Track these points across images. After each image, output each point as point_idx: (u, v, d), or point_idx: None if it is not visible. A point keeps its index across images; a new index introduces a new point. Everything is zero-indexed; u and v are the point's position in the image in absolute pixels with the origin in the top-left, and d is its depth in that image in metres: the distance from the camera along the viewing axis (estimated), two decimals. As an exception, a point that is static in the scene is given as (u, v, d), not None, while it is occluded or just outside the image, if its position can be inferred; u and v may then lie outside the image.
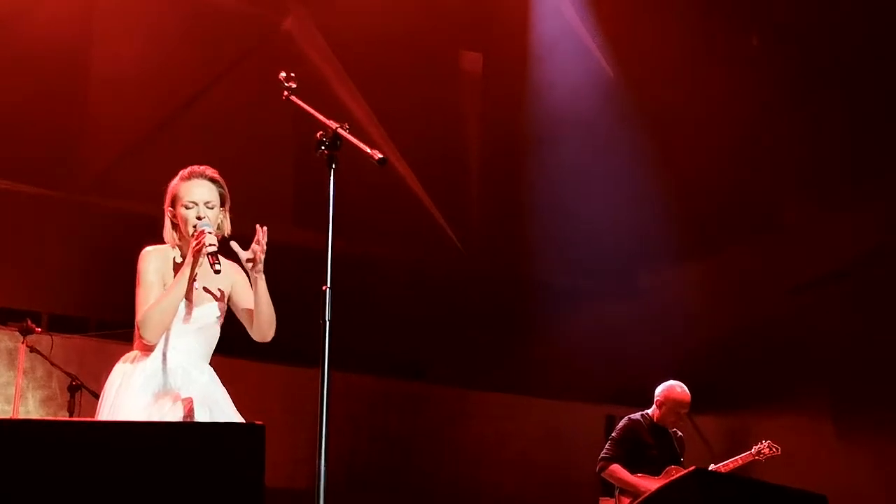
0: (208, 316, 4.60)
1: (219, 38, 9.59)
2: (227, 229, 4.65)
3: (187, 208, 4.56)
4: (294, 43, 9.87)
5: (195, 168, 4.64)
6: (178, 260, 4.60)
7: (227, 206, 4.67)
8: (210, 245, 4.38)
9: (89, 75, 9.41)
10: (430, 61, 10.21)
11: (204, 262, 4.42)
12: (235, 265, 4.71)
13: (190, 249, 4.46)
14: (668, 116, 10.40)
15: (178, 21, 9.34)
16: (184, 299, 4.50)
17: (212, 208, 4.57)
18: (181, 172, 4.65)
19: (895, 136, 9.80)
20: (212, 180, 4.62)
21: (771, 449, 7.96)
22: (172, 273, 4.55)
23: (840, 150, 10.10)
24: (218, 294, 4.63)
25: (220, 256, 4.44)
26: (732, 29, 10.13)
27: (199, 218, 4.52)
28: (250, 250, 4.48)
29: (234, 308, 4.71)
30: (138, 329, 4.48)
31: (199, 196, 4.57)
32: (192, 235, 4.49)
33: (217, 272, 4.39)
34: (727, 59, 10.10)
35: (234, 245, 4.51)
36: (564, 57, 10.29)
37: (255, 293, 4.54)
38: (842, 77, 9.87)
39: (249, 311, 4.63)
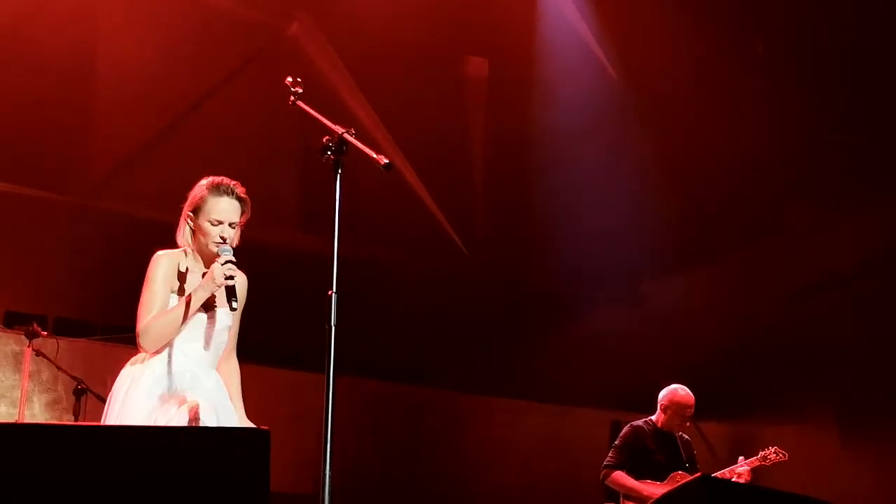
0: (218, 323, 4.61)
1: (224, 44, 9.60)
2: (236, 241, 4.62)
3: (212, 225, 4.54)
4: (300, 48, 9.89)
5: (225, 181, 4.59)
6: (183, 268, 4.58)
7: (244, 221, 4.65)
8: (230, 278, 4.38)
9: (95, 80, 9.42)
10: (435, 66, 10.22)
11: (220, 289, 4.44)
12: (244, 281, 4.70)
13: (207, 278, 4.44)
14: (673, 122, 10.41)
15: (184, 26, 9.35)
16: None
17: (233, 228, 4.57)
18: (210, 180, 4.60)
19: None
20: (239, 199, 4.59)
21: (777, 455, 7.93)
22: (178, 280, 4.55)
23: (843, 154, 10.09)
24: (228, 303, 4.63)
25: (236, 270, 4.45)
26: (736, 34, 10.13)
27: (222, 238, 4.51)
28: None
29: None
30: (138, 337, 4.48)
31: (226, 215, 4.54)
32: (216, 253, 4.49)
33: (233, 310, 4.43)
34: (730, 64, 10.10)
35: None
36: (570, 63, 10.29)
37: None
38: (845, 81, 9.87)
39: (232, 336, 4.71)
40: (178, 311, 4.44)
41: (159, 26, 9.29)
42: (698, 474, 6.83)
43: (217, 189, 4.57)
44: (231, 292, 4.38)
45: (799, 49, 9.94)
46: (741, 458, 7.86)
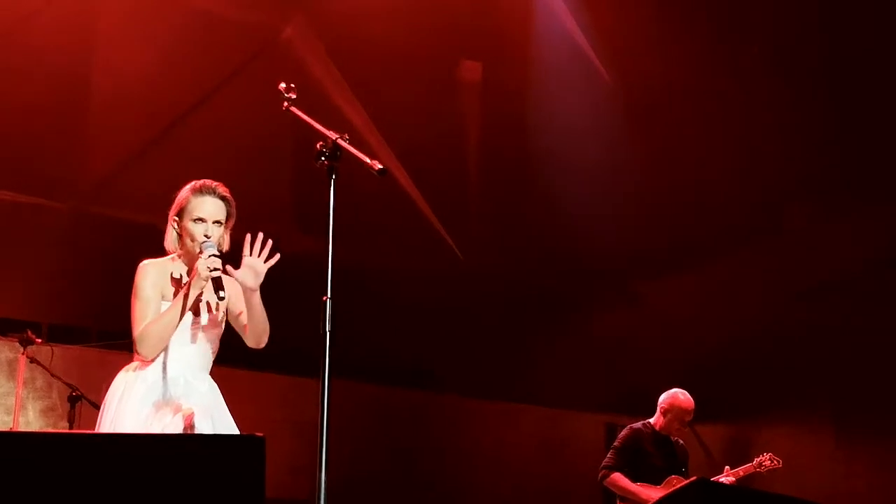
0: (208, 326, 4.60)
1: (219, 48, 9.58)
2: (226, 246, 4.63)
3: (195, 223, 4.55)
4: (294, 52, 9.87)
5: (207, 182, 4.62)
6: (177, 275, 4.59)
7: (231, 223, 4.66)
8: (215, 270, 4.37)
9: (90, 85, 9.40)
10: (430, 70, 10.20)
11: (208, 283, 4.42)
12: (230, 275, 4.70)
13: (192, 274, 4.44)
14: (670, 124, 10.40)
15: (179, 30, 9.33)
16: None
17: (219, 226, 4.57)
18: (192, 184, 4.63)
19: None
20: (222, 198, 4.60)
21: (772, 461, 7.95)
22: (170, 286, 4.55)
23: (843, 156, 10.10)
24: (217, 305, 4.62)
25: (220, 263, 4.44)
26: (734, 35, 10.13)
27: (206, 236, 4.51)
28: (250, 269, 4.45)
29: (228, 317, 4.70)
30: (136, 344, 4.47)
31: (208, 213, 4.55)
32: (198, 252, 4.48)
33: (221, 299, 4.39)
34: (729, 65, 10.10)
35: (229, 269, 4.48)
36: (565, 66, 10.29)
37: (250, 307, 4.52)
38: (844, 82, 9.87)
39: (245, 325, 4.63)
40: (172, 314, 4.44)
41: (154, 31, 9.27)
42: (694, 478, 6.83)
43: (199, 190, 4.60)
44: (218, 284, 4.37)
45: (796, 50, 9.94)
46: (727, 467, 7.87)
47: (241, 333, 4.67)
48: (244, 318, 4.61)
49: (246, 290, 4.47)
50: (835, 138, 9.98)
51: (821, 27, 9.67)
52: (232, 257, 4.61)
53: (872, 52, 9.57)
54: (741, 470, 7.87)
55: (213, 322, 4.62)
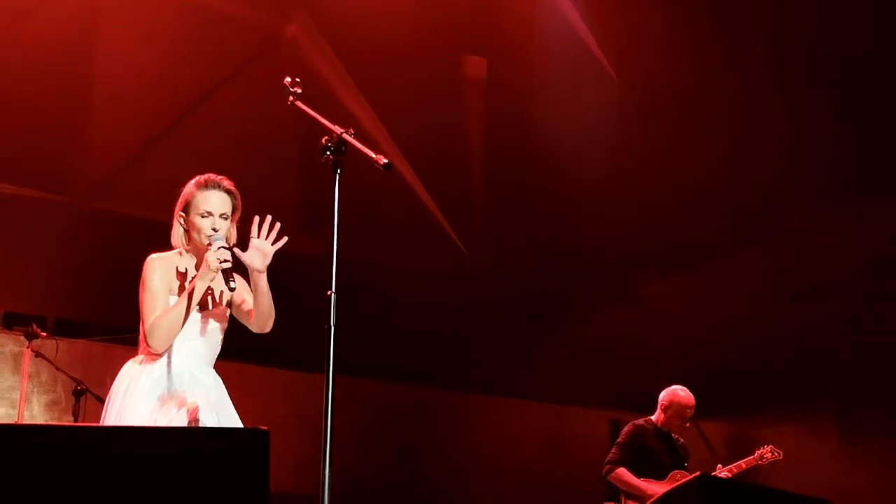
0: (213, 321, 4.62)
1: (222, 44, 9.58)
2: (233, 239, 4.65)
3: (202, 217, 4.57)
4: (298, 49, 9.87)
5: (212, 177, 4.64)
6: (182, 269, 4.60)
7: (237, 216, 4.68)
8: (225, 262, 4.39)
9: (93, 80, 9.40)
10: (434, 66, 10.20)
11: (217, 274, 4.43)
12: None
13: (203, 267, 4.45)
14: (671, 122, 10.40)
15: (182, 27, 9.33)
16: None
17: (225, 219, 4.59)
18: (197, 178, 4.65)
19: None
20: (228, 192, 4.62)
21: (773, 453, 7.97)
22: (177, 281, 4.56)
23: (843, 156, 10.09)
24: (221, 299, 4.64)
25: (229, 254, 4.45)
26: (735, 34, 10.13)
27: (214, 230, 4.52)
28: (258, 251, 4.46)
29: (231, 307, 4.71)
30: (146, 337, 4.48)
31: (214, 206, 4.57)
32: (206, 245, 4.50)
33: (232, 290, 4.40)
34: (730, 64, 10.10)
35: (237, 251, 4.50)
36: (569, 63, 10.29)
37: (256, 290, 4.51)
38: (845, 82, 9.87)
39: (249, 311, 4.64)
40: (182, 306, 4.45)
41: (157, 28, 9.26)
42: (697, 473, 6.84)
43: (205, 184, 4.62)
44: (228, 275, 4.38)
45: (796, 50, 9.94)
46: (719, 465, 7.87)
47: (244, 321, 4.67)
48: (246, 306, 4.63)
49: (253, 273, 4.48)
50: (835, 138, 9.97)
51: (821, 27, 9.66)
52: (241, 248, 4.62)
53: (872, 53, 9.56)
54: (743, 463, 7.87)
55: (218, 316, 4.64)
